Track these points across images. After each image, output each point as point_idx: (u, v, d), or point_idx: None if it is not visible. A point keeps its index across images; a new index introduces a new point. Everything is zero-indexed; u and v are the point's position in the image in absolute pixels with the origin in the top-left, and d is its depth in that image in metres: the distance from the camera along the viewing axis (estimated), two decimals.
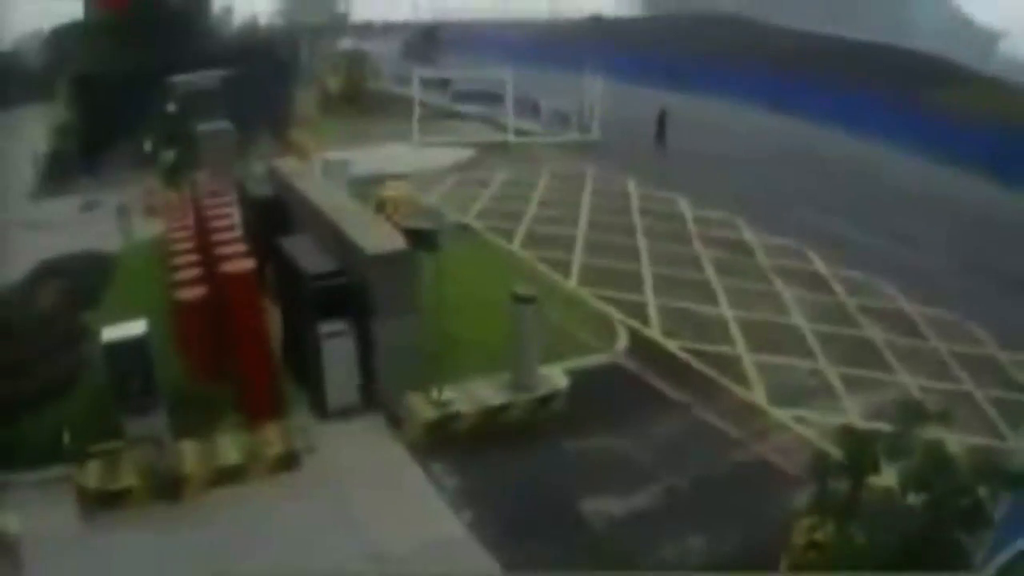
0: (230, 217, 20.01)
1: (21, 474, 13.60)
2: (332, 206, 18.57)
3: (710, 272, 25.36)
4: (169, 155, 32.91)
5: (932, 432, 10.16)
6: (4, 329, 19.19)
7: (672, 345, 19.90)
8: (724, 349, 20.01)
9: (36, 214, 30.68)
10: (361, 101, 53.28)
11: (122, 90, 35.16)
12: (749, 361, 19.37)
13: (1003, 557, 9.36)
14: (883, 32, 62.38)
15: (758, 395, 17.73)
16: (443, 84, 52.67)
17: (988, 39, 75.45)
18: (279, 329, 17.45)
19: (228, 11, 60.41)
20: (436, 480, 14.14)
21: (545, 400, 16.19)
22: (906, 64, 56.19)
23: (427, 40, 73.38)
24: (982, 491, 9.12)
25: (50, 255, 23.91)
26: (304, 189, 20.40)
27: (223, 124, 32.53)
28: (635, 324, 20.84)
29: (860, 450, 9.97)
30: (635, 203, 33.16)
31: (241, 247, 16.61)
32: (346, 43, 67.97)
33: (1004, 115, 44.80)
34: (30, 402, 15.21)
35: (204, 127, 31.97)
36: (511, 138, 44.46)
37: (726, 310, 22.39)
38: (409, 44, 75.19)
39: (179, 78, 36.11)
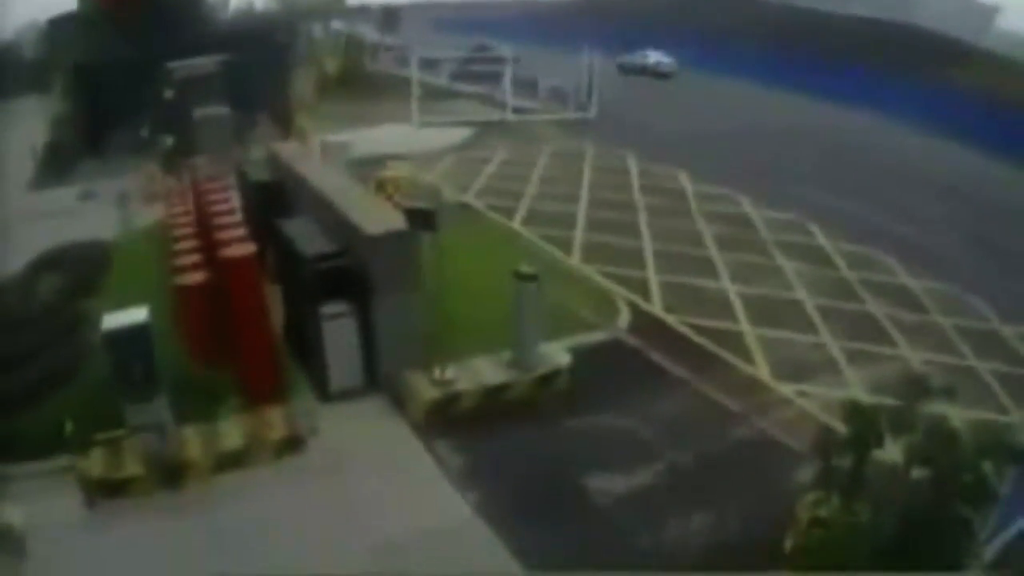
0: (230, 201, 19.92)
1: (24, 465, 13.58)
2: (332, 188, 18.53)
3: (712, 247, 25.32)
4: (168, 141, 32.83)
5: (936, 407, 10.13)
6: (5, 319, 19.20)
7: (674, 320, 19.87)
8: (726, 324, 19.98)
9: (35, 204, 30.66)
10: (359, 83, 53.13)
11: (120, 78, 35.12)
12: (752, 336, 19.35)
13: (1008, 533, 9.36)
14: (882, 8, 62.01)
15: (761, 370, 17.70)
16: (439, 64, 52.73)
17: (986, 14, 75.08)
18: (280, 312, 17.44)
19: None
20: (440, 460, 14.11)
21: (547, 378, 16.16)
22: (906, 39, 55.99)
23: (386, 19, 73.55)
24: (986, 466, 9.09)
25: (50, 244, 23.86)
26: (304, 172, 20.35)
27: (221, 109, 32.45)
28: (637, 300, 20.81)
29: (864, 425, 9.95)
30: (635, 179, 33.11)
31: (241, 231, 16.54)
32: (336, 25, 67.84)
33: (1004, 90, 44.73)
34: (32, 392, 15.22)
35: (202, 112, 31.89)
36: (509, 116, 44.36)
37: (728, 285, 22.35)
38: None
39: (176, 64, 36.01)
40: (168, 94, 35.46)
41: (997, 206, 32.31)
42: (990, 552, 9.66)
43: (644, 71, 62.71)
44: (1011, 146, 38.69)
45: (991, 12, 72.87)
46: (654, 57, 64.21)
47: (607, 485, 13.55)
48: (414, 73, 45.51)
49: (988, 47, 55.95)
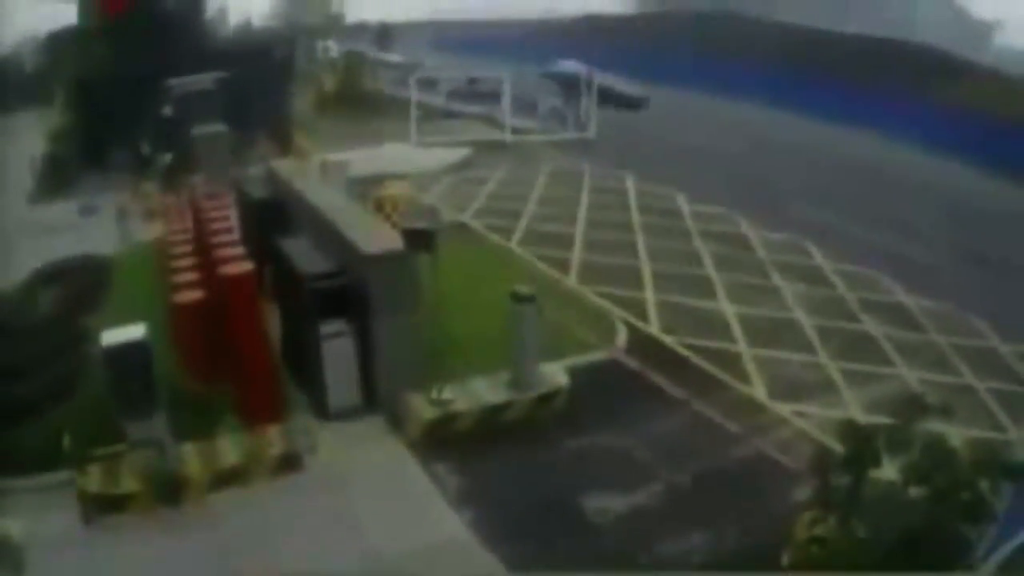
0: (228, 219, 19.96)
1: (22, 480, 13.58)
2: (330, 207, 18.56)
3: (709, 267, 25.36)
4: (166, 158, 32.87)
5: (933, 425, 10.17)
6: (4, 333, 19.19)
7: (671, 341, 19.90)
8: (724, 344, 20.00)
9: (34, 218, 30.69)
10: (358, 102, 53.17)
11: (119, 94, 35.19)
12: (749, 356, 19.38)
13: (1005, 550, 9.36)
14: (879, 25, 62.36)
15: (758, 390, 17.72)
16: (439, 83, 52.85)
17: (983, 30, 75.49)
18: (278, 331, 17.45)
19: (223, 12, 60.33)
20: (437, 480, 14.11)
21: (545, 398, 16.16)
22: (902, 57, 56.15)
23: (379, 37, 73.80)
24: (984, 484, 9.12)
25: (49, 259, 23.87)
26: (302, 190, 20.39)
27: (219, 126, 32.48)
28: (634, 320, 20.83)
29: (861, 444, 9.98)
30: (633, 200, 33.16)
31: (239, 249, 16.57)
32: (332, 44, 67.95)
33: (1001, 106, 44.83)
34: (30, 407, 15.19)
35: (200, 130, 31.93)
36: (508, 137, 44.40)
37: (725, 305, 22.39)
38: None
39: (175, 81, 36.10)
40: (166, 111, 35.54)
41: (994, 223, 32.41)
42: (989, 567, 9.68)
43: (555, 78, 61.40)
44: (1010, 163, 38.79)
45: (989, 28, 73.39)
46: (565, 66, 63.46)
47: (604, 505, 13.57)
48: (413, 92, 45.58)
49: (986, 63, 56.16)
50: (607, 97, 53.69)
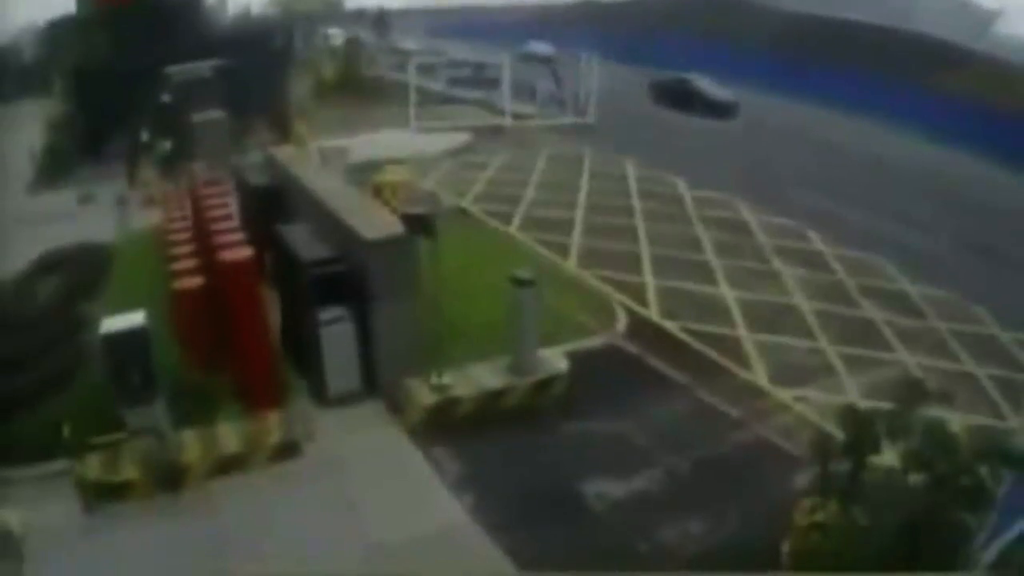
0: (227, 206, 19.89)
1: (22, 468, 13.58)
2: (330, 193, 18.51)
3: (709, 253, 25.33)
4: (165, 145, 32.83)
5: (933, 412, 10.15)
6: (3, 322, 19.18)
7: (671, 326, 19.87)
8: (724, 329, 19.98)
9: (34, 207, 30.65)
10: (357, 88, 53.08)
11: (118, 82, 35.08)
12: (750, 341, 19.35)
13: (1005, 538, 9.36)
14: (881, 13, 62.12)
15: (759, 375, 17.71)
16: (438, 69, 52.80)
17: (985, 19, 75.11)
18: (278, 317, 17.42)
19: (222, 0, 60.13)
20: (437, 465, 14.10)
21: (545, 383, 16.13)
22: (904, 45, 56.05)
23: (376, 24, 73.66)
24: (983, 471, 9.11)
25: (49, 247, 23.84)
26: (301, 176, 20.33)
27: (219, 113, 32.44)
28: (634, 305, 20.80)
29: (861, 430, 9.97)
30: (633, 185, 33.11)
31: (239, 236, 16.48)
32: (333, 31, 67.82)
33: (1002, 94, 44.80)
34: (30, 395, 15.18)
35: (200, 117, 31.87)
36: (507, 122, 44.31)
37: (725, 290, 22.36)
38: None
39: (174, 68, 36.03)
40: (166, 98, 35.47)
41: (993, 210, 32.40)
42: (989, 555, 9.68)
43: (527, 58, 62.84)
44: (1010, 151, 38.75)
45: (991, 16, 72.98)
46: (535, 47, 66.75)
47: (604, 490, 13.56)
48: (412, 78, 45.47)
49: (988, 51, 56.01)
50: (688, 102, 52.25)
